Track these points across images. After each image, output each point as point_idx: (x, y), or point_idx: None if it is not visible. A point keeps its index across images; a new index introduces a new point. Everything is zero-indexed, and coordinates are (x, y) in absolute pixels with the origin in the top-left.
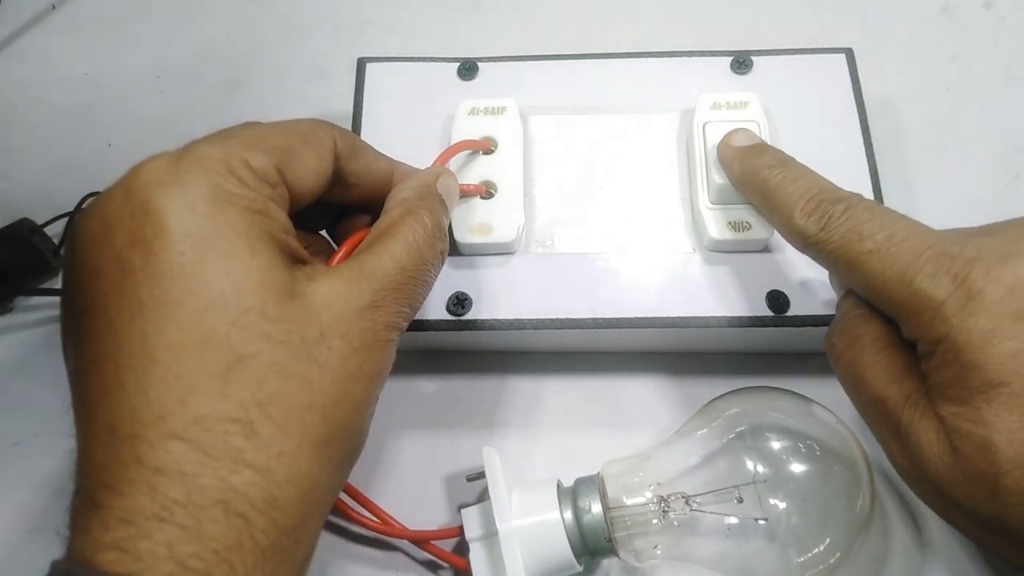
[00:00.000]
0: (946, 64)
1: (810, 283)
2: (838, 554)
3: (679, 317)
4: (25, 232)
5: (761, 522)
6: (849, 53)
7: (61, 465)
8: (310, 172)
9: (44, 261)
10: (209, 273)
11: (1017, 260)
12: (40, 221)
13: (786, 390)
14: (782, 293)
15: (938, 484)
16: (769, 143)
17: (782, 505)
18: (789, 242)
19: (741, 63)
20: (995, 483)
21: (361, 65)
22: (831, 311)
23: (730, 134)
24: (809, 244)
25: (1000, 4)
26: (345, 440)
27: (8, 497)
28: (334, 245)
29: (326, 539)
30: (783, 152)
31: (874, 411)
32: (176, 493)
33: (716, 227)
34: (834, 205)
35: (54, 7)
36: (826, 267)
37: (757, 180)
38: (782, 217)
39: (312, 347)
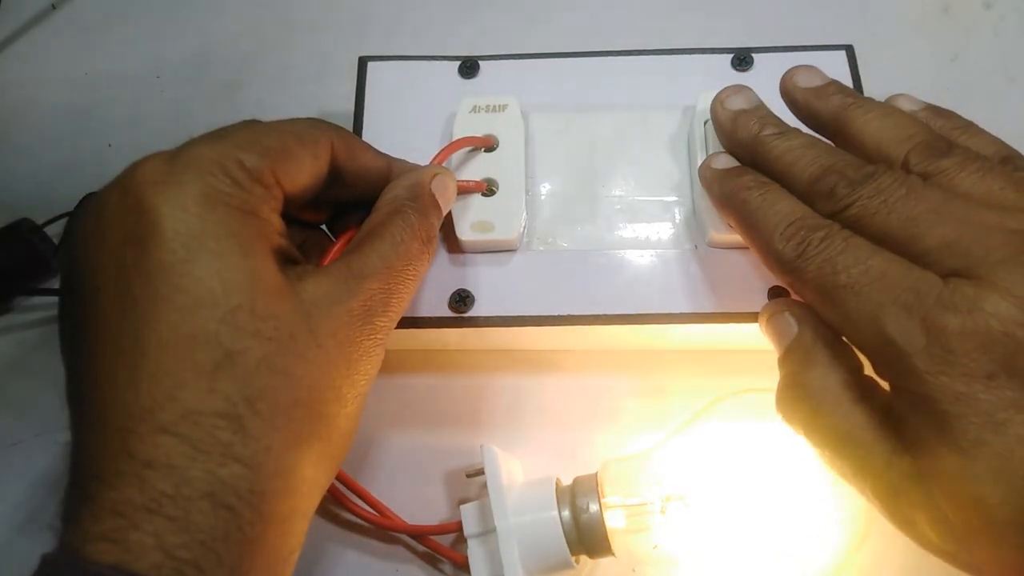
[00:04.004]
0: (946, 64)
1: None
2: (837, 557)
3: (681, 313)
4: (25, 232)
5: (759, 523)
6: (849, 50)
7: (59, 465)
8: (305, 172)
9: (44, 261)
10: (199, 271)
11: (988, 311)
12: (40, 221)
13: None
14: (784, 288)
15: (942, 544)
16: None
17: (781, 508)
18: (767, 267)
19: (742, 60)
20: (998, 540)
21: (362, 64)
22: None
23: (711, 156)
24: (786, 271)
25: (1000, 4)
26: (333, 436)
27: (7, 496)
28: (333, 239)
29: (326, 529)
30: (762, 175)
31: (859, 477)
32: (165, 485)
33: (717, 223)
34: (813, 232)
35: (54, 7)
36: (803, 298)
37: (736, 201)
38: (760, 240)
39: (301, 344)
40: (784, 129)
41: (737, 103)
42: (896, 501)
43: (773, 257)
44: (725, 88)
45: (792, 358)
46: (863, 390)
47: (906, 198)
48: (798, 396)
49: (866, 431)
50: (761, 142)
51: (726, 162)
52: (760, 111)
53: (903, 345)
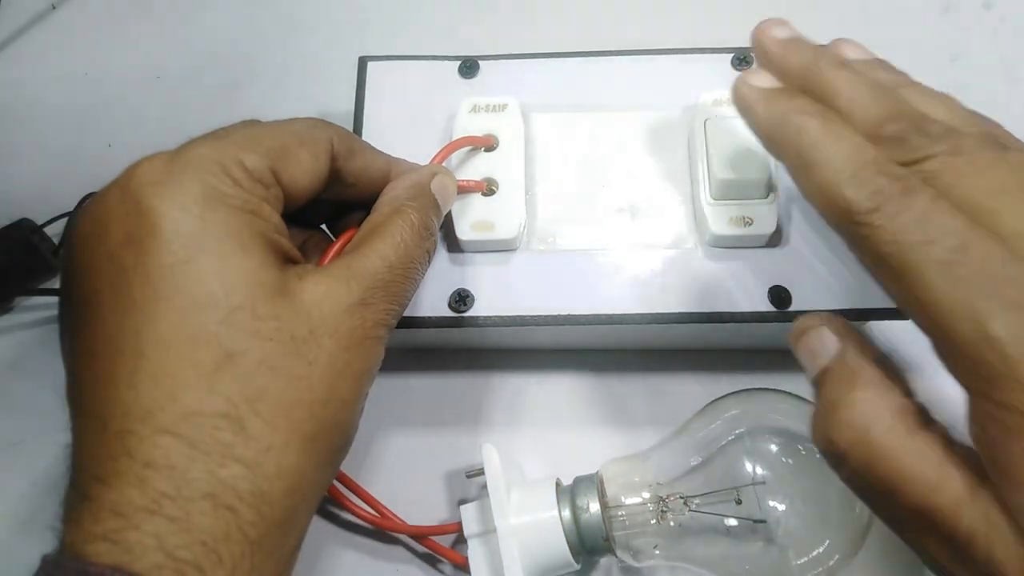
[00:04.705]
0: (946, 64)
1: (812, 278)
2: (837, 556)
3: (681, 313)
4: (25, 232)
5: (760, 524)
6: None
7: (60, 465)
8: (305, 172)
9: (44, 261)
10: (199, 272)
11: None
12: (40, 221)
13: (787, 392)
14: (784, 288)
15: None
16: None
17: (781, 507)
18: (821, 213)
19: (742, 60)
20: None
21: (362, 64)
22: (834, 305)
23: (748, 73)
24: (854, 223)
25: (1000, 4)
26: (333, 436)
27: (7, 497)
28: (333, 239)
29: (326, 530)
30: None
31: (917, 522)
32: (165, 486)
33: (717, 223)
34: (893, 182)
35: (54, 7)
36: (865, 261)
37: (789, 129)
38: (822, 180)
39: (301, 344)
40: (844, 62)
41: (784, 32)
42: (969, 547)
43: (839, 204)
44: (764, 21)
45: (833, 378)
46: (921, 418)
47: (994, 165)
48: (843, 423)
49: (929, 466)
50: (819, 69)
51: (770, 81)
52: (811, 42)
53: (1011, 349)
